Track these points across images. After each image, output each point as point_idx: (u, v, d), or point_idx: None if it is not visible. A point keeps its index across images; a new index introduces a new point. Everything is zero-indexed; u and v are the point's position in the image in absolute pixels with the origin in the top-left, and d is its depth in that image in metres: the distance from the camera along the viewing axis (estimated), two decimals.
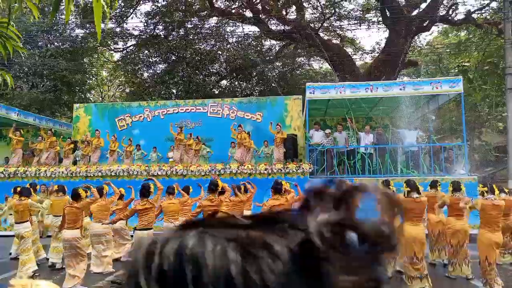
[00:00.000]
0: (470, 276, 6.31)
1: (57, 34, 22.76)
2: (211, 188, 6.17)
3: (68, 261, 6.09)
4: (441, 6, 20.66)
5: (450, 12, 20.89)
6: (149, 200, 6.10)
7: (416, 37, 23.80)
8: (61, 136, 17.35)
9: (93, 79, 27.97)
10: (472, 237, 6.54)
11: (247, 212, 8.68)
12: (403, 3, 21.24)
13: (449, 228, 6.44)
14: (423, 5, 21.10)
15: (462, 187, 6.55)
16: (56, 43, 23.29)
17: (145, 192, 6.07)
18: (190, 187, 8.22)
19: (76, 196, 6.35)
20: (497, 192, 5.54)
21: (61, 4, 2.12)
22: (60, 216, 7.51)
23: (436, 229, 6.99)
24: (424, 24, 21.01)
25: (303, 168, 11.18)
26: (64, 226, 6.23)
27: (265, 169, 11.32)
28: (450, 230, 6.42)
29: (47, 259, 7.78)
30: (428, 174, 11.20)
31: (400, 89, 11.46)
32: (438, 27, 25.11)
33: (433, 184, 7.05)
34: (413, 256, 5.41)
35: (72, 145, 13.38)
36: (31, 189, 7.32)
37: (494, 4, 20.10)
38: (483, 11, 20.65)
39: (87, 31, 22.96)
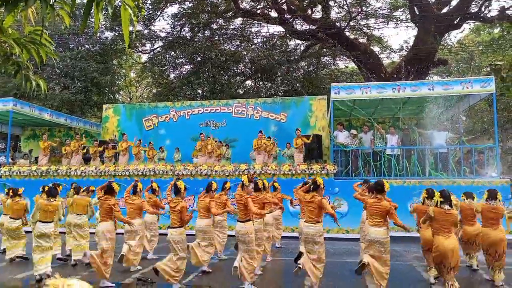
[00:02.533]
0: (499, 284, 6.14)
1: (87, 37, 23.47)
2: (256, 187, 6.36)
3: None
4: (473, 3, 19.98)
5: (483, 9, 20.16)
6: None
7: (446, 35, 23.12)
8: (91, 136, 17.92)
9: (122, 80, 28.67)
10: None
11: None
12: (433, 0, 20.67)
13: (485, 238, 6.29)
14: (454, 2, 20.49)
15: (499, 196, 6.32)
16: (86, 46, 24.02)
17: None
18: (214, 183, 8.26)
19: (110, 191, 6.57)
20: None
21: (91, 12, 2.20)
22: (82, 215, 7.78)
23: (473, 239, 6.79)
24: (455, 22, 20.37)
25: (327, 169, 11.08)
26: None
27: (289, 170, 11.30)
28: (486, 241, 6.27)
29: (68, 255, 8.06)
30: (458, 176, 10.86)
31: (429, 89, 11.15)
32: (470, 25, 24.28)
33: (469, 195, 6.74)
34: (448, 266, 5.28)
35: (100, 148, 13.78)
36: (57, 189, 7.53)
37: None
38: None
39: (116, 34, 23.57)
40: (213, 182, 7.32)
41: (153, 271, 5.98)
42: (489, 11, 20.22)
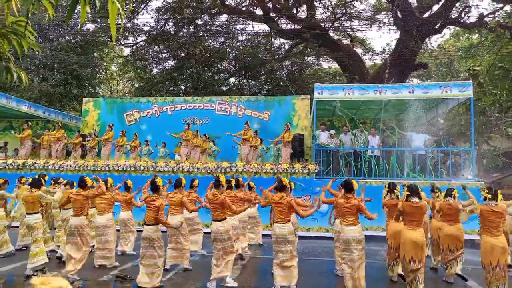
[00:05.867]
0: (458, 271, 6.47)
1: (68, 28, 22.95)
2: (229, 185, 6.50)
3: (69, 248, 6.19)
4: (454, 9, 20.47)
5: (463, 15, 20.68)
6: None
7: (427, 39, 23.62)
8: (70, 130, 17.56)
9: (103, 73, 28.17)
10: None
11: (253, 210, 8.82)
12: (415, 4, 21.07)
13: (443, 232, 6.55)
14: (435, 7, 20.93)
15: (455, 193, 6.61)
16: (67, 37, 23.48)
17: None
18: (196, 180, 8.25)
19: (83, 184, 6.46)
20: (500, 197, 5.54)
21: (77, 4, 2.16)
22: (68, 209, 7.64)
23: (436, 234, 7.01)
24: (436, 26, 20.83)
25: (309, 169, 11.18)
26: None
27: (271, 169, 11.35)
28: (443, 235, 6.53)
29: (55, 251, 7.90)
30: (435, 178, 11.14)
31: (409, 92, 11.39)
32: (450, 30, 24.89)
33: (449, 193, 6.76)
34: (410, 260, 5.41)
35: (80, 139, 13.51)
36: (41, 180, 7.40)
37: (507, 8, 19.89)
38: (496, 15, 20.43)
39: (98, 26, 23.13)
40: (182, 178, 7.32)
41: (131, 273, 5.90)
42: (469, 17, 20.77)
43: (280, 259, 5.63)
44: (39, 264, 6.47)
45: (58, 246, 7.66)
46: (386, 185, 6.66)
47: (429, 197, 7.55)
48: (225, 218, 6.02)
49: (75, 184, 8.04)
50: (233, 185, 6.56)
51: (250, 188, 8.54)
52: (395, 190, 6.46)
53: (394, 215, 5.88)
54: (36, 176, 7.72)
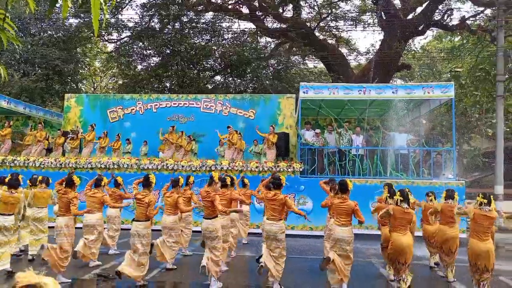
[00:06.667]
0: (451, 280, 6.49)
1: (51, 23, 22.46)
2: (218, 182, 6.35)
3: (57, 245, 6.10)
4: (437, 11, 20.84)
5: (445, 17, 21.09)
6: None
7: (410, 40, 23.99)
8: (51, 127, 17.20)
9: (86, 69, 27.67)
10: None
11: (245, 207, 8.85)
12: (399, 6, 21.37)
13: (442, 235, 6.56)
14: (419, 9, 21.26)
15: (456, 196, 6.63)
16: (49, 32, 22.97)
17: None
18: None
19: (70, 183, 6.34)
20: (493, 204, 5.60)
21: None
22: (42, 208, 7.49)
23: (433, 238, 7.06)
24: (419, 28, 21.17)
25: (293, 167, 11.23)
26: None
27: (256, 167, 11.36)
28: (442, 238, 6.55)
29: (22, 250, 7.72)
30: (417, 177, 11.34)
31: (393, 92, 11.54)
32: (433, 32, 25.35)
33: (451, 194, 6.63)
34: (402, 262, 5.51)
35: (63, 138, 13.25)
36: (18, 180, 7.13)
37: (488, 12, 20.35)
38: (477, 18, 20.89)
39: (81, 21, 22.69)
40: (180, 177, 7.25)
41: (115, 271, 5.82)
42: (451, 20, 21.20)
43: (271, 255, 5.69)
44: (1, 268, 6.17)
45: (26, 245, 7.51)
46: (398, 191, 5.82)
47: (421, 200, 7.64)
48: (215, 216, 5.99)
49: (50, 180, 7.88)
50: (228, 183, 6.52)
51: (244, 185, 8.56)
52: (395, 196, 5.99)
53: (380, 214, 5.87)
54: (11, 175, 7.29)
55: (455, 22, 21.01)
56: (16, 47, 16.84)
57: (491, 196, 5.63)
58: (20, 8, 19.48)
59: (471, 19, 20.63)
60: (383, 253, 6.75)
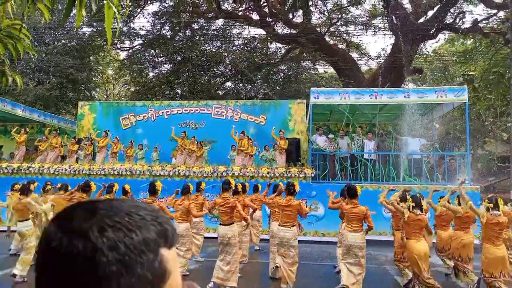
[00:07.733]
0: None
1: (64, 32, 22.89)
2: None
3: None
4: (448, 14, 20.65)
5: (457, 21, 20.86)
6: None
7: (422, 44, 23.79)
8: (66, 134, 17.46)
9: (99, 77, 28.09)
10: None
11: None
12: (410, 10, 21.24)
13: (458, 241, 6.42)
14: (430, 13, 21.09)
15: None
16: (63, 41, 23.41)
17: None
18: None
19: (87, 189, 6.42)
20: (502, 207, 5.49)
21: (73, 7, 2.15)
22: None
23: (448, 244, 6.93)
24: (431, 32, 20.99)
25: (305, 173, 11.18)
26: None
27: (268, 173, 11.34)
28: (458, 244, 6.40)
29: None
30: (430, 182, 11.17)
31: (405, 97, 11.44)
32: (445, 35, 25.10)
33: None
34: (423, 270, 5.41)
35: (77, 146, 13.44)
36: (30, 186, 7.25)
37: (501, 14, 20.09)
38: (490, 21, 20.64)
39: (94, 30, 23.09)
40: (189, 184, 7.24)
41: None
42: (463, 23, 20.96)
43: (285, 261, 5.67)
44: (24, 273, 6.25)
45: None
46: (411, 198, 5.79)
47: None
48: (233, 223, 5.96)
49: (69, 187, 7.98)
50: (240, 190, 6.52)
51: (255, 190, 8.58)
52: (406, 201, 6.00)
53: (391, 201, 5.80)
54: (25, 182, 7.55)
55: (467, 25, 20.79)
56: (32, 56, 17.19)
57: (498, 200, 5.52)
58: (35, 18, 19.90)
59: (483, 21, 20.40)
60: (396, 259, 6.63)
